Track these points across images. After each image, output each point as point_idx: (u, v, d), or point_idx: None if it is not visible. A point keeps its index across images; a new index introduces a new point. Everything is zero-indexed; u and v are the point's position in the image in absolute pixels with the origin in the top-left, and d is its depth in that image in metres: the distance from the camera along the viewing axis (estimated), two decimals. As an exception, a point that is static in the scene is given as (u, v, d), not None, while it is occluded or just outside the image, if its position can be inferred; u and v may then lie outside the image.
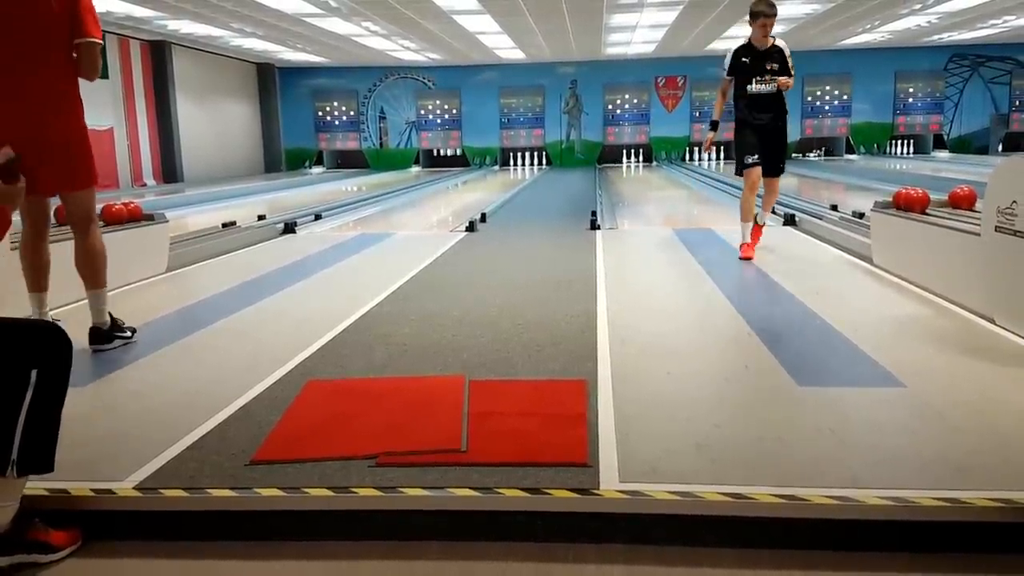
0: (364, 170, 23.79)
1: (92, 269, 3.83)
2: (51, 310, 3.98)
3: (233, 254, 7.05)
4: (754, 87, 6.03)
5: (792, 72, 6.13)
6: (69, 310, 4.58)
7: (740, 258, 5.99)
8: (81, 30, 3.57)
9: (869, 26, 18.40)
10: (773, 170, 6.21)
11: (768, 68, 6.01)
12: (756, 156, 6.06)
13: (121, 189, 16.57)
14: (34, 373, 2.03)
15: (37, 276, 3.83)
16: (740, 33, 19.19)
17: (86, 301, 3.91)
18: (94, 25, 3.62)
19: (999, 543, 2.06)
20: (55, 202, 3.91)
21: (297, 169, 24.17)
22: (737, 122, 6.19)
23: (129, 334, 3.97)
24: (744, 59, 6.06)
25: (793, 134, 24.21)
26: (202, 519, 2.23)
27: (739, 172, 6.16)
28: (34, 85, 3.51)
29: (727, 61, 6.15)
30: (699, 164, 22.94)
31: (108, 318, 3.87)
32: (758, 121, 6.09)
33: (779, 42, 6.13)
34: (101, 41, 3.68)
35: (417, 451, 2.47)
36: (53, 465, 2.10)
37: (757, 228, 6.28)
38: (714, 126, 6.41)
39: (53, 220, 4.22)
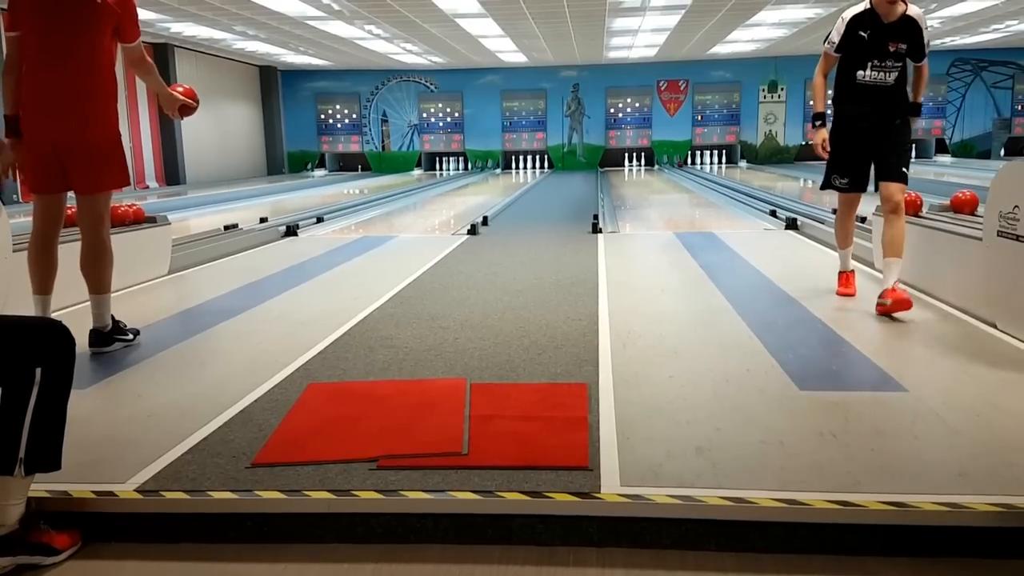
0: (366, 173, 23.82)
1: (98, 273, 3.82)
2: (53, 312, 3.98)
3: (235, 256, 7.05)
4: (867, 75, 4.36)
5: (926, 53, 4.42)
6: (71, 311, 4.58)
7: (837, 293, 4.79)
8: (128, 35, 3.74)
9: (871, 30, 18.38)
10: (890, 171, 4.43)
11: (892, 50, 4.31)
12: (847, 180, 4.60)
13: (123, 191, 16.59)
14: (38, 371, 2.03)
15: (44, 278, 3.78)
16: (742, 37, 19.27)
17: (83, 305, 3.95)
18: (137, 29, 3.79)
19: (1000, 548, 2.05)
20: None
21: (299, 172, 24.20)
22: (835, 121, 4.61)
23: (131, 336, 3.96)
24: (861, 32, 4.34)
25: (795, 138, 24.20)
26: (203, 521, 2.23)
27: (825, 187, 4.80)
28: (81, 78, 3.58)
29: (837, 30, 4.43)
30: (700, 168, 22.98)
31: (109, 320, 3.85)
32: (863, 123, 4.47)
33: (912, 10, 4.34)
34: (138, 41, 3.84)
35: (418, 454, 2.47)
36: (60, 463, 2.11)
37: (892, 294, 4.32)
38: (819, 119, 4.61)
39: None
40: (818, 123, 4.62)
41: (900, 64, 4.38)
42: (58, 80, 3.55)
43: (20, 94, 3.60)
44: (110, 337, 3.83)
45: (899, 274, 4.31)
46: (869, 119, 4.45)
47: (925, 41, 4.38)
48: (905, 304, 4.12)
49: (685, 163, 23.85)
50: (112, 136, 3.73)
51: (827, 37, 4.54)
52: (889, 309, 4.15)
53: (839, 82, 4.54)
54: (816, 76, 4.64)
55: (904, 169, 4.41)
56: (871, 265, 5.72)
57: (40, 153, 3.62)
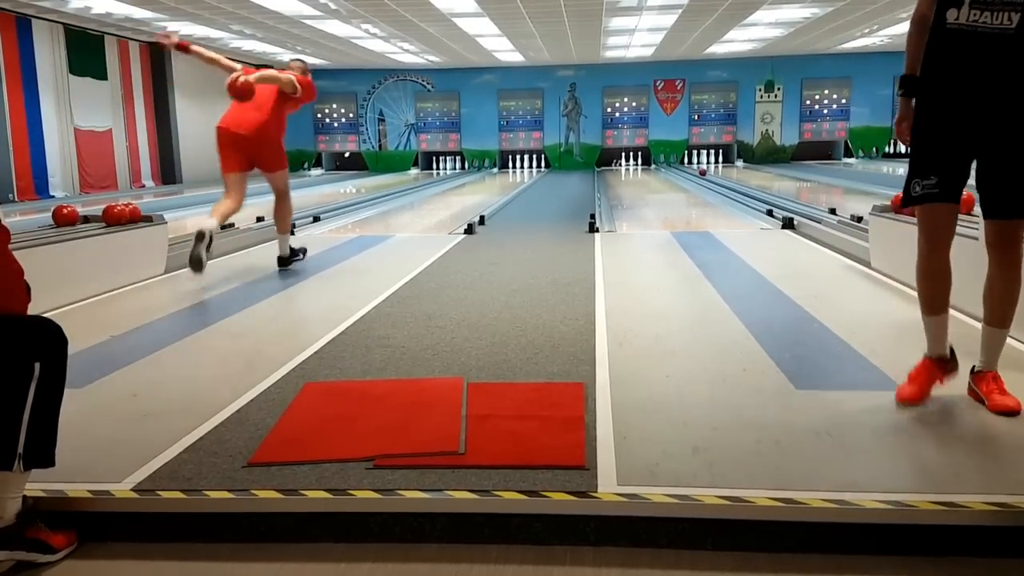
0: (363, 172, 23.80)
1: (284, 221, 6.13)
2: (52, 310, 3.98)
3: (231, 256, 7.04)
4: (962, 15, 2.65)
5: None
6: (66, 311, 4.58)
7: (899, 397, 2.86)
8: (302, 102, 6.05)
9: (868, 30, 18.43)
10: (1015, 200, 2.72)
11: None
12: (935, 180, 2.74)
13: (120, 190, 16.57)
14: (37, 365, 2.05)
15: (231, 202, 5.79)
16: (739, 37, 19.25)
17: (79, 304, 4.79)
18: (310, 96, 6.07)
19: (995, 547, 2.06)
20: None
21: (296, 171, 24.18)
22: (920, 94, 2.82)
23: (301, 256, 6.23)
24: None
25: (792, 138, 24.22)
26: (199, 521, 2.23)
27: (906, 204, 2.89)
28: (268, 112, 5.74)
29: None
30: (696, 167, 22.98)
31: (288, 251, 6.09)
32: (968, 93, 2.70)
33: None
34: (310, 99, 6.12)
35: (415, 453, 2.47)
36: (55, 459, 2.11)
37: (938, 368, 2.87)
38: (904, 84, 2.86)
39: (52, 223, 5.55)
40: (901, 92, 2.89)
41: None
42: (246, 115, 5.70)
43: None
44: (289, 259, 6.09)
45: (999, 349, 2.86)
46: (977, 86, 2.68)
47: None
48: (1011, 408, 2.71)
49: (704, 173, 19.51)
50: (279, 142, 5.94)
51: None
52: (990, 407, 2.76)
53: (933, 28, 2.77)
54: (911, 26, 2.86)
55: None
56: (868, 264, 5.75)
57: (228, 148, 5.79)
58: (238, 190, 5.79)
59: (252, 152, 5.74)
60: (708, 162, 24.08)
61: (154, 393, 3.19)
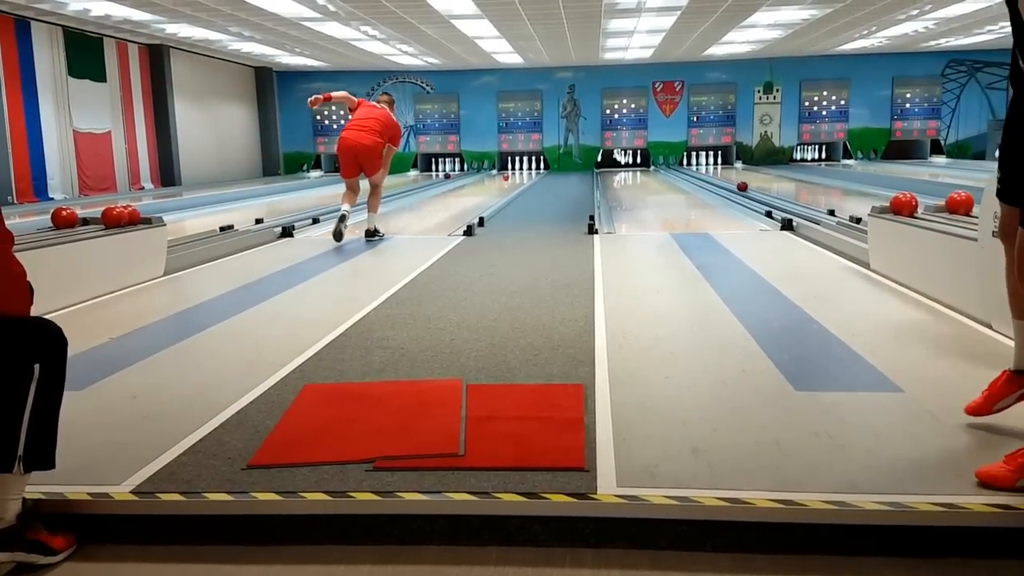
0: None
1: (374, 206, 8.19)
2: (51, 312, 3.98)
3: (230, 258, 7.04)
4: None
5: None
6: (64, 313, 4.57)
7: (968, 408, 2.63)
8: (392, 142, 8.12)
9: (867, 32, 18.44)
10: None
11: None
12: (999, 175, 2.53)
13: (119, 192, 16.56)
14: (37, 367, 2.05)
15: (352, 196, 8.04)
16: (738, 38, 19.28)
17: (78, 307, 4.82)
18: (397, 140, 8.24)
19: (996, 548, 2.06)
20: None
21: (295, 173, 24.18)
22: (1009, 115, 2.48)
23: (379, 237, 7.96)
24: None
25: (791, 139, 24.24)
26: (199, 523, 2.22)
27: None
28: (371, 136, 7.87)
29: None
30: (696, 169, 22.99)
31: (375, 227, 8.00)
32: None
33: None
34: (397, 148, 8.35)
35: (414, 455, 2.47)
36: (55, 462, 2.11)
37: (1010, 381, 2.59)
38: None
39: (51, 225, 5.61)
40: None
41: None
42: (361, 134, 7.82)
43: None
44: (374, 233, 7.93)
45: None
46: None
47: None
48: None
49: (745, 187, 14.34)
50: (378, 157, 7.97)
51: None
52: None
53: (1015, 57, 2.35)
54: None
55: None
56: (867, 265, 5.75)
57: (348, 156, 7.96)
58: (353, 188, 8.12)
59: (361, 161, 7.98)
60: (707, 163, 24.08)
61: (153, 395, 3.18)
